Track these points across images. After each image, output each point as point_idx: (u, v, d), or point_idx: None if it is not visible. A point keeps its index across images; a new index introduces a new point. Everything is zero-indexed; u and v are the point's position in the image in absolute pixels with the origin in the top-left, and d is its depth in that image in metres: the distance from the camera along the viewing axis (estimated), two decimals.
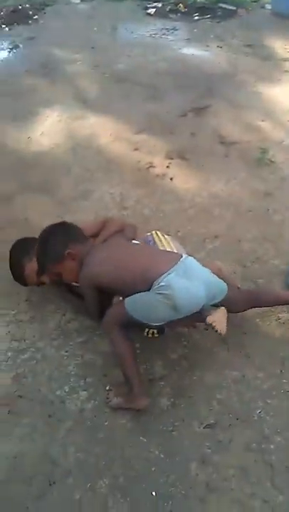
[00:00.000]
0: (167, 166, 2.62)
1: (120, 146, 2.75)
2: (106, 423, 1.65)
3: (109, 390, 1.73)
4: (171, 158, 2.67)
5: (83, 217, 2.30)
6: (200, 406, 1.69)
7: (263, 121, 2.96)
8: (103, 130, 2.88)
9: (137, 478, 1.53)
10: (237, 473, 1.54)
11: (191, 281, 1.64)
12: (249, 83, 3.35)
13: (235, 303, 1.82)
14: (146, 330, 1.79)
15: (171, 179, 2.55)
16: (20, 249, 1.96)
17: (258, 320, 1.93)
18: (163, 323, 1.68)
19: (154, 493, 1.50)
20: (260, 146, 2.75)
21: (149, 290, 1.63)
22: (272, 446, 1.59)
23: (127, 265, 1.69)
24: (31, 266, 1.89)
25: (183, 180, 2.55)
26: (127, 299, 1.65)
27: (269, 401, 1.70)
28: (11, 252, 1.98)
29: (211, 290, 1.70)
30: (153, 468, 1.55)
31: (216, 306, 1.74)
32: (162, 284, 1.60)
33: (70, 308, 1.99)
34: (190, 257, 1.75)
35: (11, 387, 1.74)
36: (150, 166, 2.62)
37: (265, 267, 2.14)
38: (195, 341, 1.87)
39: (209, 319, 1.68)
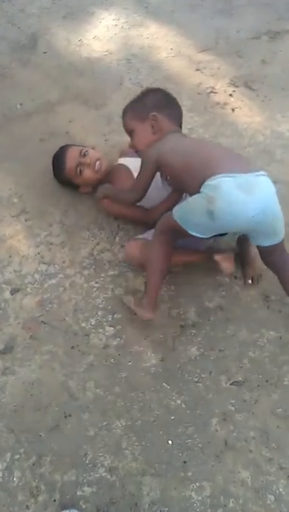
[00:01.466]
0: (230, 94, 2.33)
1: (181, 64, 2.44)
2: (129, 363, 1.57)
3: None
4: (236, 86, 2.37)
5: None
6: (230, 361, 1.59)
7: None
8: (163, 42, 2.55)
9: (154, 424, 1.47)
10: (257, 436, 1.47)
11: (246, 195, 1.37)
12: None
13: (270, 256, 1.58)
14: None
15: (232, 110, 2.27)
16: (66, 144, 1.93)
17: None
18: (201, 235, 1.47)
19: (170, 442, 1.44)
20: None
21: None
22: None
23: (197, 153, 1.51)
24: (73, 150, 1.85)
25: (246, 112, 2.27)
26: (177, 206, 1.52)
27: None
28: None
29: (267, 214, 1.41)
30: (172, 417, 1.48)
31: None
32: (211, 182, 1.38)
33: (104, 237, 1.85)
34: (266, 177, 1.44)
35: (36, 312, 1.67)
36: (211, 92, 2.33)
37: None
38: (234, 293, 1.73)
39: (217, 258, 1.61)
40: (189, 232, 1.47)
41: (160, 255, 1.57)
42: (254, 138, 2.18)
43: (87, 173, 1.82)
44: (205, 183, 1.40)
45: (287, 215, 1.91)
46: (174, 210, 1.51)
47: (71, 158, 1.83)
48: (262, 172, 1.44)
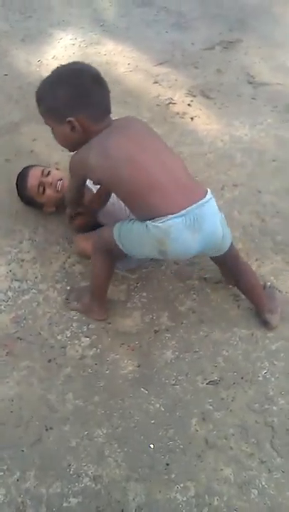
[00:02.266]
0: (188, 104, 2.41)
1: (139, 78, 2.51)
2: (107, 372, 1.59)
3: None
4: (194, 96, 2.45)
5: None
6: (205, 362, 1.63)
7: None
8: (121, 58, 2.63)
9: (135, 430, 1.49)
10: (237, 433, 1.50)
11: (194, 234, 1.39)
12: (287, 18, 3.02)
13: (223, 265, 1.69)
14: None
15: (191, 119, 2.35)
16: (30, 165, 1.96)
17: (272, 277, 1.83)
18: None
19: (151, 446, 1.47)
20: None
21: (145, 219, 1.37)
22: (274, 408, 1.55)
23: (135, 179, 1.35)
24: (36, 169, 1.88)
25: (204, 120, 2.35)
26: (116, 226, 1.47)
27: (276, 362, 1.64)
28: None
29: (210, 246, 1.50)
30: (152, 421, 1.51)
31: None
32: (161, 225, 1.35)
33: (75, 250, 1.88)
34: (210, 202, 1.43)
35: (11, 329, 1.68)
36: (170, 103, 2.41)
37: (286, 222, 2.00)
38: (205, 295, 1.78)
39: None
40: (137, 257, 1.55)
41: (103, 267, 1.59)
42: (214, 144, 2.25)
43: (49, 192, 1.86)
44: (154, 223, 1.35)
45: (248, 216, 2.00)
46: (117, 236, 1.46)
47: (33, 178, 1.87)
48: (206, 198, 1.41)
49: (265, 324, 1.70)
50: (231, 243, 1.58)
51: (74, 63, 1.49)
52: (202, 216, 1.39)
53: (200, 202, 1.38)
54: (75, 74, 1.40)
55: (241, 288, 1.70)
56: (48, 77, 1.43)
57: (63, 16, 2.89)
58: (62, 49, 2.67)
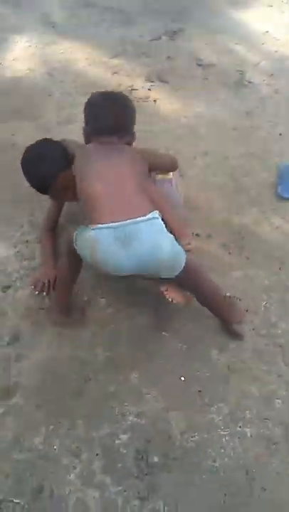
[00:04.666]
0: (149, 89, 2.61)
1: (99, 70, 2.69)
2: (127, 324, 1.73)
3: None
4: (152, 81, 2.66)
5: None
6: None
7: (237, 44, 2.98)
8: (78, 55, 2.79)
9: (164, 368, 1.64)
10: (252, 356, 1.68)
11: (123, 249, 1.43)
12: (221, 7, 3.31)
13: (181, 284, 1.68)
14: None
15: (154, 101, 2.55)
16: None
17: (253, 226, 2.05)
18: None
19: (182, 378, 1.62)
20: (237, 69, 2.79)
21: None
22: (279, 331, 1.75)
23: (94, 187, 1.51)
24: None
25: (166, 102, 2.56)
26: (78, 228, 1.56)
27: (272, 294, 1.85)
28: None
29: (149, 266, 1.49)
30: (178, 358, 1.66)
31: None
32: (92, 232, 1.45)
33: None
34: (150, 221, 1.47)
35: (30, 301, 1.77)
36: (132, 89, 2.60)
37: (255, 179, 2.24)
38: (198, 248, 1.91)
39: (162, 288, 1.66)
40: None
41: (65, 272, 1.69)
42: (178, 121, 2.46)
43: None
44: (89, 227, 1.46)
45: (221, 178, 2.22)
46: (74, 236, 1.55)
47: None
48: (147, 217, 1.45)
49: (236, 336, 1.73)
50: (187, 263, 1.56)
51: (111, 92, 1.96)
52: (135, 233, 1.43)
53: (137, 219, 1.44)
54: (92, 97, 1.79)
55: (200, 300, 1.70)
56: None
57: (14, 22, 3.02)
58: (21, 51, 2.79)
